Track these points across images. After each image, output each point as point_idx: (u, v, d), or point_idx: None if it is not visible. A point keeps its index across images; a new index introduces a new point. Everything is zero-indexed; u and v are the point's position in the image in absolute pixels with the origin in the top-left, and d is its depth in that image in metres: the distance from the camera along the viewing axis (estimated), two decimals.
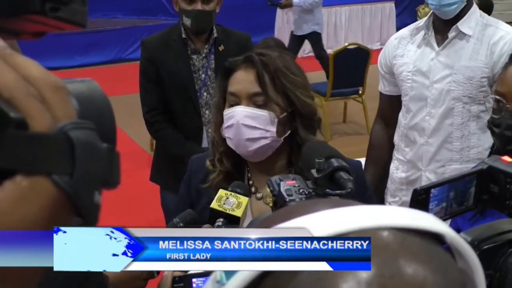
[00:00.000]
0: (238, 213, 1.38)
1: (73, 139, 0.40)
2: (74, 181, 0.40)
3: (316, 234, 0.41)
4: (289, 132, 1.61)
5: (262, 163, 1.64)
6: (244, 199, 1.41)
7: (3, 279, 0.39)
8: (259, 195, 1.66)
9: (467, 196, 1.00)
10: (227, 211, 1.38)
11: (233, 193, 1.41)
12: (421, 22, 2.52)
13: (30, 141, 0.39)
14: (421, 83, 2.44)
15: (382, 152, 2.69)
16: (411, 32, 2.52)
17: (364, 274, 0.39)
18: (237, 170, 1.65)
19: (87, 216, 0.41)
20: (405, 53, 2.50)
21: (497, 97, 1.67)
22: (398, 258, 0.40)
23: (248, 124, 1.56)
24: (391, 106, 2.63)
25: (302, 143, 1.59)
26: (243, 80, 1.58)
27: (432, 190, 0.97)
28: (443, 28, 2.41)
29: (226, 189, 1.44)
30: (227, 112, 1.59)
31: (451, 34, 2.38)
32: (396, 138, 2.60)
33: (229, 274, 0.42)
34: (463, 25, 2.38)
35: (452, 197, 0.99)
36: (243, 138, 1.57)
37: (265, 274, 0.42)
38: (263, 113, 1.56)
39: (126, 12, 9.67)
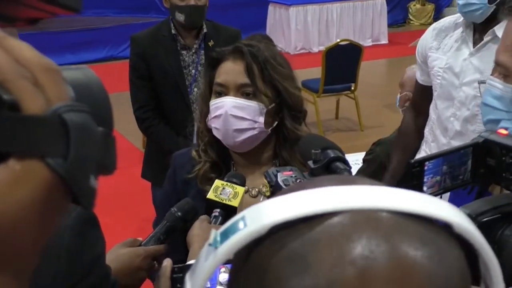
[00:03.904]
0: (235, 203, 1.37)
1: (67, 122, 0.39)
2: (68, 164, 0.39)
3: (316, 209, 0.41)
4: (276, 123, 1.60)
5: (247, 154, 1.63)
6: (240, 189, 1.40)
7: None
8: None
9: (462, 170, 0.98)
10: (224, 201, 1.37)
11: (229, 183, 1.40)
12: (462, 17, 2.37)
13: (23, 124, 0.38)
14: (450, 82, 2.35)
15: (409, 140, 2.63)
16: (450, 26, 2.41)
17: (352, 250, 0.39)
18: (222, 161, 1.64)
19: (82, 200, 0.40)
20: (441, 46, 2.41)
21: None
22: (390, 239, 0.40)
23: (236, 114, 1.55)
24: (422, 95, 2.56)
25: (288, 135, 1.59)
26: (231, 70, 1.57)
27: (427, 163, 0.95)
28: (481, 29, 2.30)
29: (222, 179, 1.43)
30: (214, 102, 1.58)
31: (487, 38, 2.26)
32: (426, 130, 2.54)
33: (224, 237, 0.42)
34: (500, 30, 2.23)
35: (447, 171, 0.97)
36: (231, 129, 1.56)
37: (259, 240, 0.42)
38: (251, 103, 1.55)
39: (117, 10, 9.66)
